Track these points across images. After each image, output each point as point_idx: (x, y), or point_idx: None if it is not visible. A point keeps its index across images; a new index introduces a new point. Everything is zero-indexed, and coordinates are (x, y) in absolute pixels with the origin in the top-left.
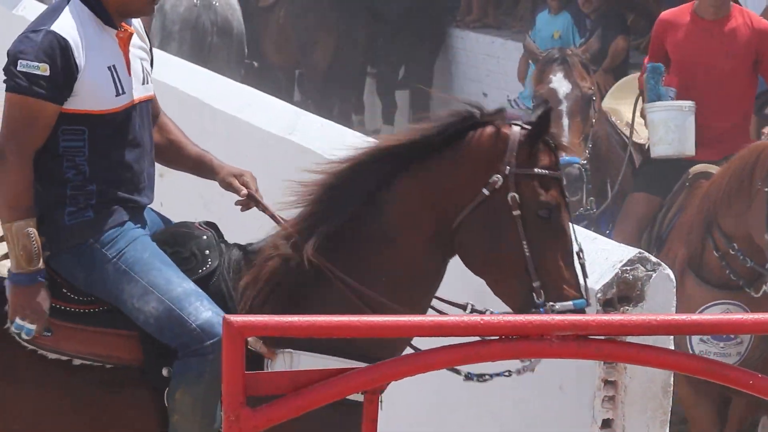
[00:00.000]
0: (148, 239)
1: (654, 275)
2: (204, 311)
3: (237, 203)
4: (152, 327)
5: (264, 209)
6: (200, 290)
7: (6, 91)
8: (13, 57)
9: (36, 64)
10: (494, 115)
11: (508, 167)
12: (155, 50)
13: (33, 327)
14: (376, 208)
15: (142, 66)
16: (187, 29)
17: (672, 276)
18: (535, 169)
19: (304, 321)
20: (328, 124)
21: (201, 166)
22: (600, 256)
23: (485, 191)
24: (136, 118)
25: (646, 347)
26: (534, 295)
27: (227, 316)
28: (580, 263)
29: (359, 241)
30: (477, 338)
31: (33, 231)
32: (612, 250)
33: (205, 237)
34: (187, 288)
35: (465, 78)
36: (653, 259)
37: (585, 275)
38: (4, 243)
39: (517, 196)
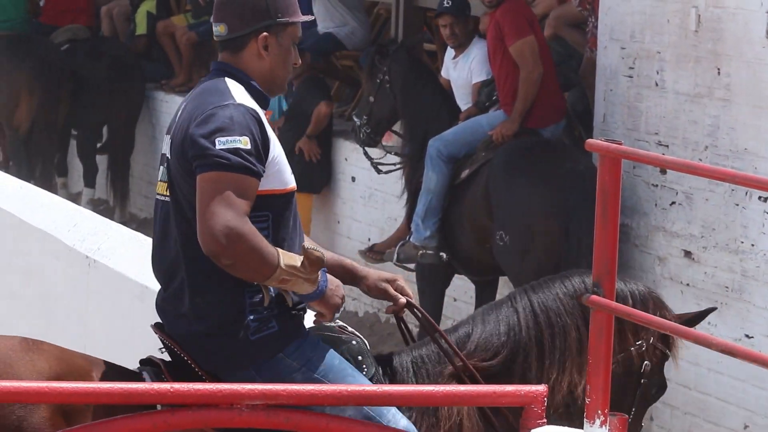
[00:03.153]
0: (326, 345)
1: None
2: (401, 419)
3: (389, 311)
4: None
5: (423, 317)
6: None
7: (207, 171)
8: (206, 137)
9: (237, 138)
10: None
11: (652, 338)
12: None
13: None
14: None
15: None
16: None
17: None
18: (666, 350)
19: None
20: (27, 185)
21: (340, 272)
22: None
23: (632, 350)
24: (294, 202)
25: (336, 418)
26: None
27: None
28: None
29: (527, 377)
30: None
31: (292, 261)
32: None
33: (354, 342)
34: None
35: None
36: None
37: None
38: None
39: (649, 366)
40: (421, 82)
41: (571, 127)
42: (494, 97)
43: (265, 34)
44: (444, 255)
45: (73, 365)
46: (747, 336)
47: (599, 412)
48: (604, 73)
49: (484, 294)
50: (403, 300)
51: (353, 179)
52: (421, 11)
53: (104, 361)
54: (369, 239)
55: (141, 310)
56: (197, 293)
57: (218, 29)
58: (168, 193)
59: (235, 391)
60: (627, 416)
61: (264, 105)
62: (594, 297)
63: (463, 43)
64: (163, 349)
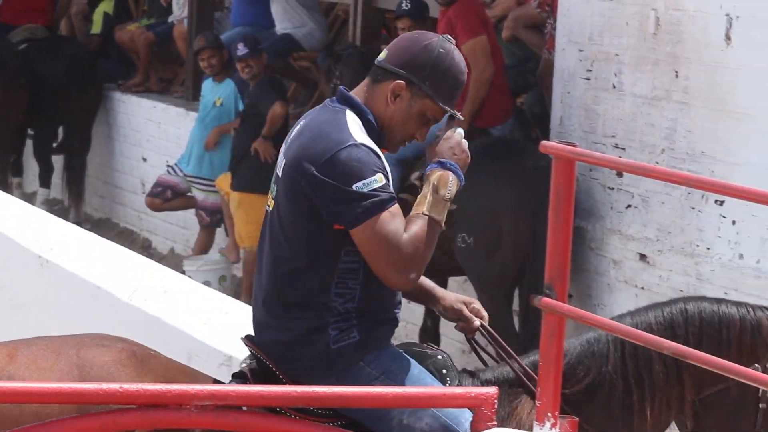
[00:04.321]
0: (407, 356)
1: None
2: None
3: (459, 328)
4: None
5: (495, 341)
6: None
7: (361, 223)
8: (341, 184)
9: (373, 178)
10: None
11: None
12: None
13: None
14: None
15: None
16: None
17: None
18: None
19: None
20: None
21: (419, 292)
22: (247, 324)
23: None
24: None
25: (286, 419)
26: None
27: None
28: None
29: (611, 407)
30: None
31: (437, 208)
32: None
33: (440, 357)
34: None
35: (126, 142)
36: None
37: None
38: None
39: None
40: None
41: (527, 130)
42: None
43: (402, 83)
44: None
45: (176, 380)
46: None
47: (549, 414)
48: (561, 76)
49: None
50: (476, 323)
51: None
52: (380, 13)
53: (204, 374)
54: None
55: (94, 310)
56: (283, 305)
57: (382, 53)
58: (272, 206)
59: (185, 392)
60: (577, 419)
61: (377, 142)
62: (546, 299)
63: None
64: (248, 361)
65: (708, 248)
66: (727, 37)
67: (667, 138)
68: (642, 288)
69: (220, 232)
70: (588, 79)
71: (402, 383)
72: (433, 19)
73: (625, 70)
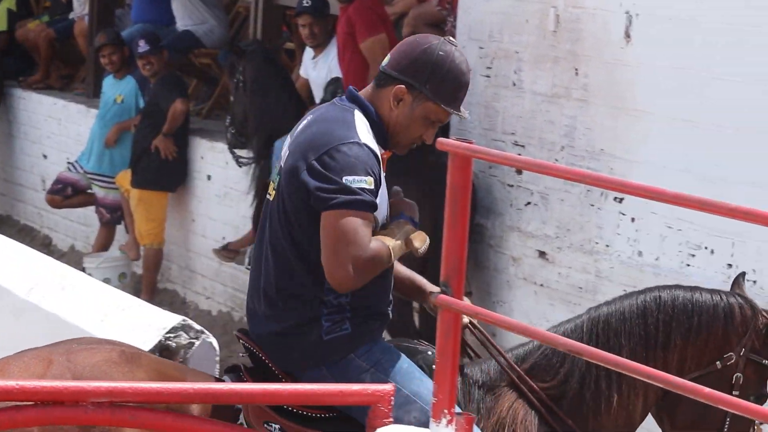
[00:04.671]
0: (397, 350)
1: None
2: None
3: None
4: None
5: (485, 340)
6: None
7: (335, 209)
8: (332, 172)
9: (363, 178)
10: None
11: (743, 349)
12: None
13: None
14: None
15: None
16: None
17: (215, 344)
18: (764, 360)
19: None
20: None
21: (411, 287)
22: (144, 322)
23: (718, 364)
24: None
25: (181, 416)
26: None
27: None
28: None
29: (586, 396)
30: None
31: (401, 251)
32: (155, 317)
33: (429, 353)
34: None
35: (26, 139)
36: (197, 326)
37: None
38: None
39: (741, 377)
40: (270, 81)
41: None
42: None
43: (403, 87)
44: None
45: (168, 375)
46: None
47: (445, 411)
48: None
49: None
50: (465, 320)
51: (209, 177)
52: (281, 10)
53: (195, 370)
54: (224, 238)
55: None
56: (278, 295)
57: (386, 58)
58: (273, 196)
59: (81, 389)
60: (474, 416)
61: (383, 144)
62: (442, 296)
63: (322, 42)
64: (244, 353)
65: (607, 245)
66: (627, 35)
67: (567, 135)
68: (541, 285)
69: (120, 229)
70: (488, 77)
71: (392, 376)
72: (334, 16)
73: (524, 67)
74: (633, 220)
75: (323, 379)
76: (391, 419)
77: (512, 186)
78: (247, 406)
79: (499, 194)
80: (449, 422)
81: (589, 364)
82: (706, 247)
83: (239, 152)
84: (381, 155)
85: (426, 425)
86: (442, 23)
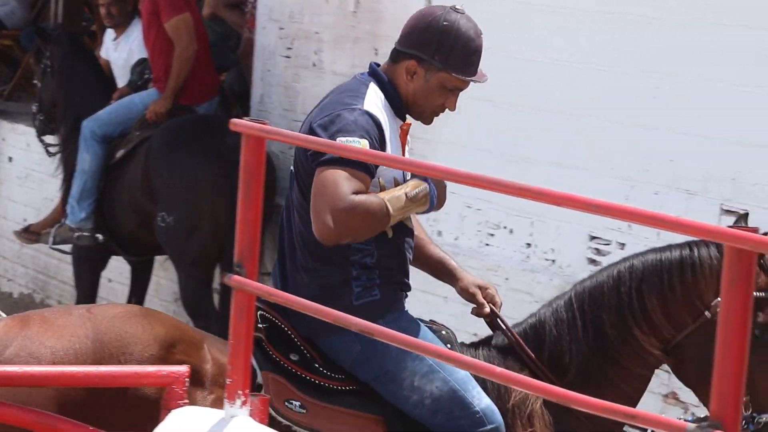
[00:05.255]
0: (419, 322)
1: None
2: (485, 397)
3: (474, 312)
4: (424, 408)
5: (506, 330)
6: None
7: (324, 165)
8: (328, 133)
9: (357, 139)
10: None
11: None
12: None
13: None
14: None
15: None
16: None
17: None
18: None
19: None
20: None
21: (441, 270)
22: None
23: (707, 314)
24: None
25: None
26: (742, 408)
27: None
28: None
29: (590, 361)
30: None
31: (400, 203)
32: None
33: (444, 332)
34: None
35: None
36: None
37: None
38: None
39: None
40: (77, 64)
41: (229, 108)
42: (146, 76)
43: (414, 62)
44: (100, 236)
45: (187, 333)
46: None
47: (240, 392)
48: (262, 54)
49: (139, 274)
50: (486, 310)
51: (10, 159)
52: None
53: (214, 337)
54: (25, 220)
55: None
56: (310, 258)
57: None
58: (294, 167)
59: None
60: (268, 396)
61: (401, 116)
62: (235, 277)
63: (120, 23)
64: (263, 324)
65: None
66: None
67: None
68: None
69: None
70: (288, 57)
71: None
72: None
73: (325, 48)
74: None
75: (350, 345)
76: (186, 400)
77: None
78: (268, 384)
79: None
80: (243, 403)
81: (581, 346)
82: (505, 227)
83: (48, 140)
84: (401, 126)
85: (448, 395)
86: (242, 4)
